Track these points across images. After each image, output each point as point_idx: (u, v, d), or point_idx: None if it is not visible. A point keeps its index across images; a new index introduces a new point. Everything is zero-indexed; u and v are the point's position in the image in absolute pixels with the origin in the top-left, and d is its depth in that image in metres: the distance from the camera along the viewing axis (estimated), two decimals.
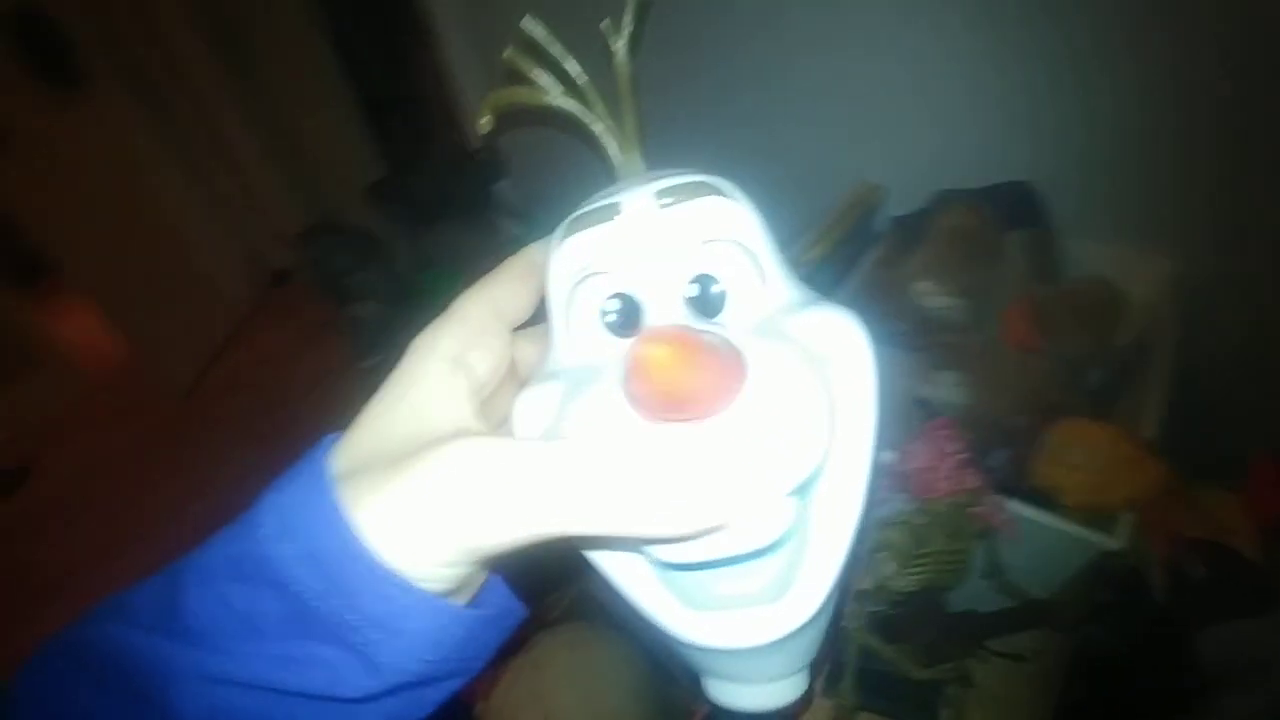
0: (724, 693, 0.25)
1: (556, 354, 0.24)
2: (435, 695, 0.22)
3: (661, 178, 0.23)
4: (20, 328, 2.06)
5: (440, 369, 0.22)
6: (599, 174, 0.27)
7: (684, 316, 0.22)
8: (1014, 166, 0.72)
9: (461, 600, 0.21)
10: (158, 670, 0.19)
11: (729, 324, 0.22)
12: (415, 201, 0.93)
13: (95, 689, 0.20)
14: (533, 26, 0.25)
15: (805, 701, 0.27)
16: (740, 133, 0.92)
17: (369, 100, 1.33)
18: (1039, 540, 0.49)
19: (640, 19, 0.26)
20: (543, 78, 0.25)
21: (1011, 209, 0.68)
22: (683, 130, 0.72)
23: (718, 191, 0.22)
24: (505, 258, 0.25)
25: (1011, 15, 0.68)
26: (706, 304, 0.22)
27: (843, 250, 0.70)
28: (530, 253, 0.25)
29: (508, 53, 0.25)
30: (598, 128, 0.26)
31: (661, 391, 0.17)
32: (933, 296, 0.62)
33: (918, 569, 0.50)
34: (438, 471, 0.18)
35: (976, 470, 0.48)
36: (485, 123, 0.26)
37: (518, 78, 0.25)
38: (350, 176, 1.59)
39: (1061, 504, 0.50)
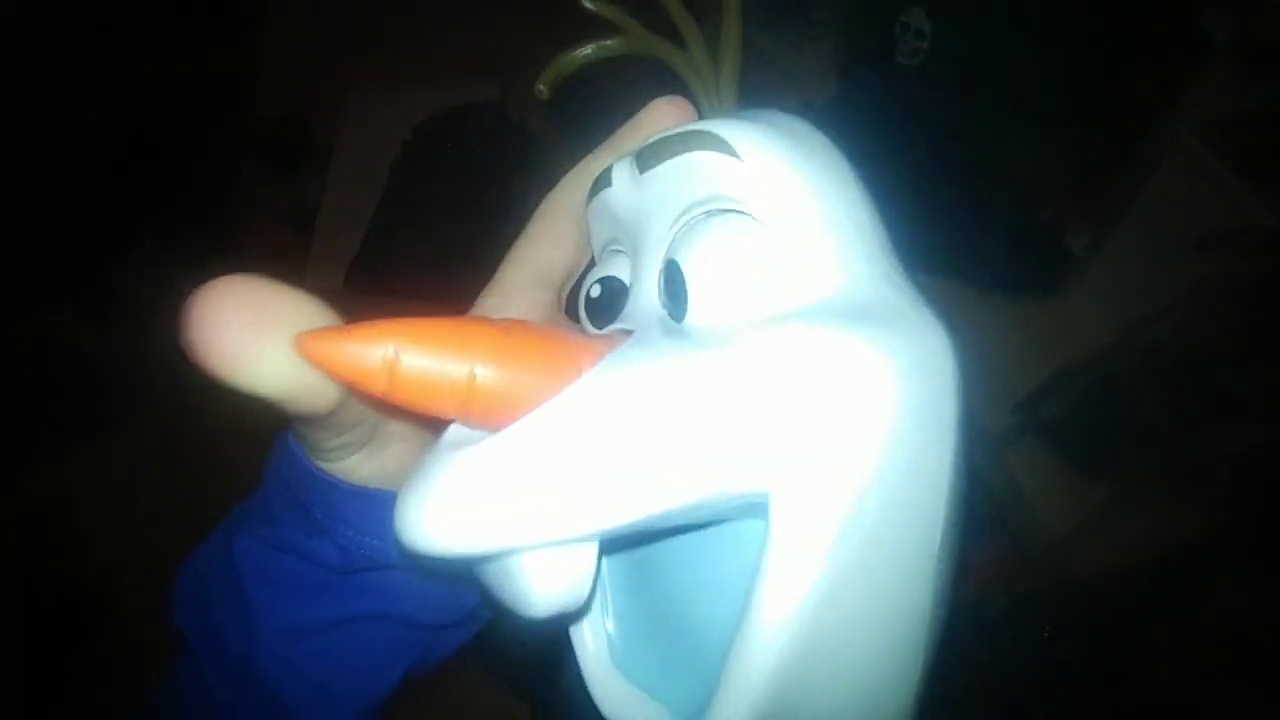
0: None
1: None
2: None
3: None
4: None
5: None
6: None
7: (658, 308, 0.17)
8: None
9: None
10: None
11: (641, 326, 0.17)
12: None
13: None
14: None
15: None
16: None
17: None
18: None
19: None
20: (626, 21, 0.19)
21: None
22: None
23: (712, 144, 0.16)
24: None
25: None
26: (673, 298, 0.16)
27: None
28: (556, 200, 0.21)
29: (590, 3, 0.20)
30: (688, 67, 0.20)
31: None
32: None
33: None
34: None
35: None
36: (542, 90, 0.21)
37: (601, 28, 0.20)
38: None
39: None
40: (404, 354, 0.14)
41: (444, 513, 0.14)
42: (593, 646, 0.19)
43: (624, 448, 0.14)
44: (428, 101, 1.25)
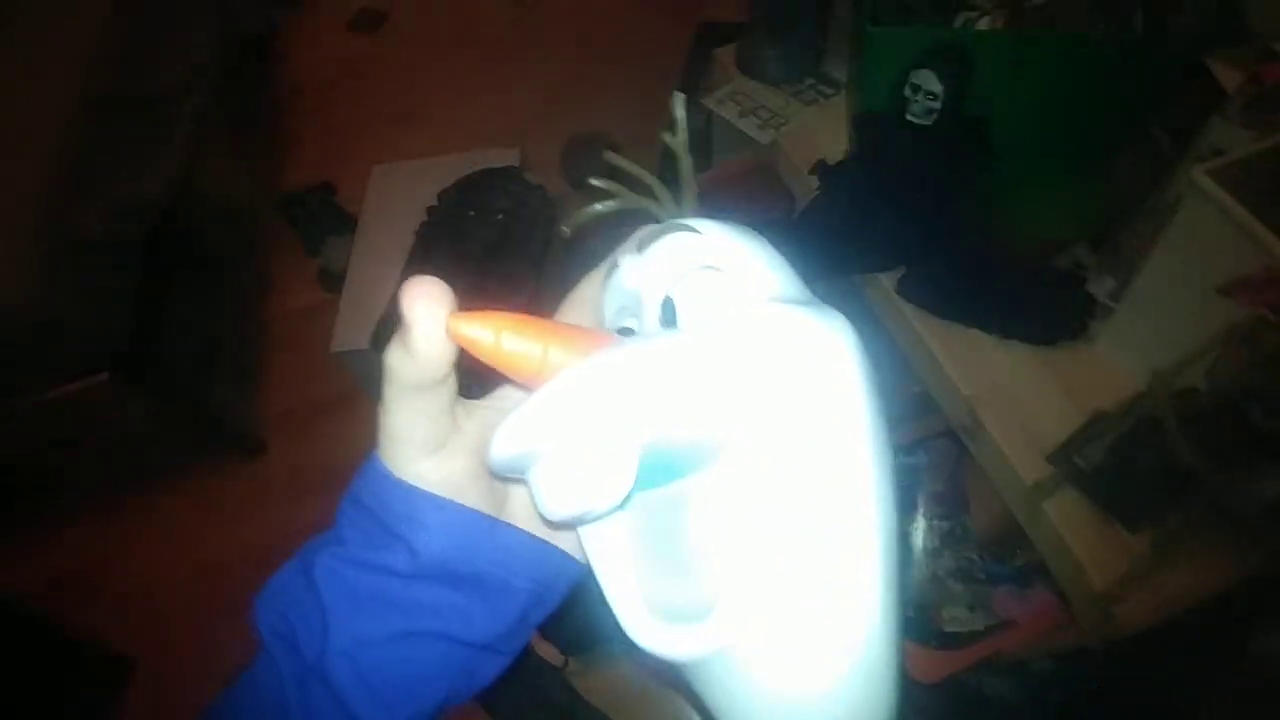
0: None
1: None
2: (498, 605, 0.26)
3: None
4: None
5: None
6: None
7: (657, 329, 0.26)
8: None
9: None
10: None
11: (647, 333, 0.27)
12: None
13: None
14: (613, 157, 0.32)
15: None
16: None
17: None
18: None
19: (686, 123, 0.30)
20: (620, 190, 0.31)
21: None
22: None
23: (684, 228, 0.26)
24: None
25: None
26: (668, 323, 0.26)
27: None
28: (581, 290, 0.29)
29: (597, 182, 0.30)
30: (661, 212, 0.31)
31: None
32: None
33: None
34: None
35: None
36: (566, 232, 0.32)
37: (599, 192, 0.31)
38: None
39: None
40: (503, 335, 0.22)
41: (515, 424, 0.21)
42: (627, 590, 0.25)
43: (625, 384, 0.21)
44: (449, 170, 1.30)
